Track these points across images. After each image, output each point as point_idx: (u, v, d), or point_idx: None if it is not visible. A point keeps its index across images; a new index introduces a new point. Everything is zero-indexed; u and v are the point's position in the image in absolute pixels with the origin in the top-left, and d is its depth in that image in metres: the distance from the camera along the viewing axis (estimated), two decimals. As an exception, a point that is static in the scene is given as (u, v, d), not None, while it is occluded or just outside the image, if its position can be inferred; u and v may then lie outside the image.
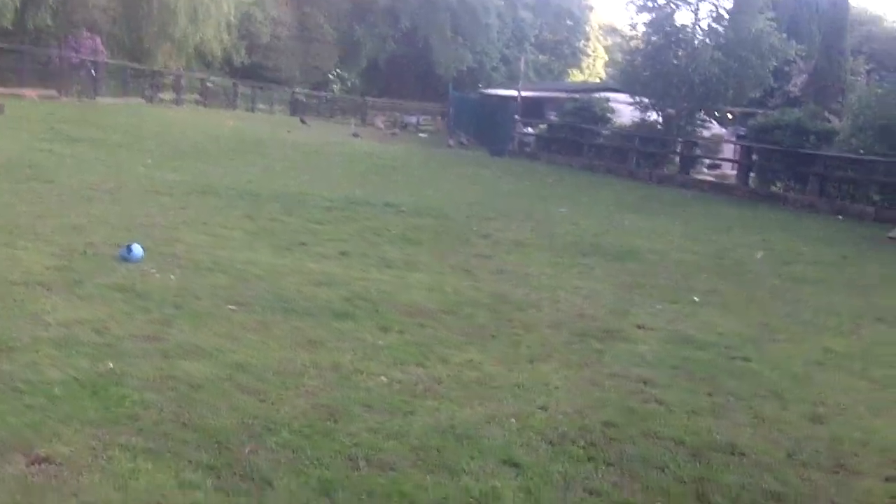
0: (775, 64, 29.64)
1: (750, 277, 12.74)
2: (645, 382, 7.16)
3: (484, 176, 26.28)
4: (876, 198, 23.51)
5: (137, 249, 9.69)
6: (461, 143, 40.88)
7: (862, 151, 23.80)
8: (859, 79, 39.47)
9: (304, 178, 19.92)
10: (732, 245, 15.70)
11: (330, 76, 60.00)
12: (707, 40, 29.71)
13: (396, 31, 62.23)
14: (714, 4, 29.98)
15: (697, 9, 30.25)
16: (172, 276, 9.06)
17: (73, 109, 30.44)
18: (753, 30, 28.87)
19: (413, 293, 9.52)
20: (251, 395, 6.01)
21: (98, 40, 38.10)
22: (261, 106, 50.68)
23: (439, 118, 55.95)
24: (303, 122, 44.99)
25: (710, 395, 7.03)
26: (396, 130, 47.52)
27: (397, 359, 7.12)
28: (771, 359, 8.31)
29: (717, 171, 30.40)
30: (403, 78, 66.94)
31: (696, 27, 30.30)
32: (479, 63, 68.16)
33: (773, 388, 7.37)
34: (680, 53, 29.87)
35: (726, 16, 29.98)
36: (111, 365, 6.28)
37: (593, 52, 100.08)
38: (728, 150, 31.86)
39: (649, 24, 30.73)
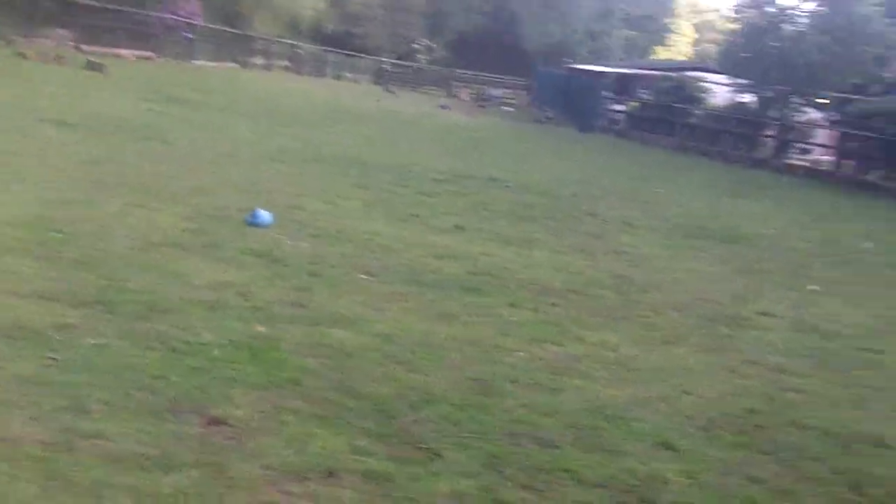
0: (882, 50, 29.02)
1: (863, 267, 12.59)
2: (781, 371, 7.14)
3: (577, 152, 26.21)
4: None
5: (264, 215, 9.86)
6: (547, 118, 40.56)
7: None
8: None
9: (404, 149, 20.07)
10: (840, 233, 15.51)
11: (416, 46, 60.00)
12: (811, 24, 29.15)
13: (484, 3, 62.02)
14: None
15: (803, -9, 29.75)
16: (304, 244, 9.22)
17: (172, 71, 30.95)
18: (859, 14, 28.29)
19: (536, 270, 9.57)
20: (402, 365, 6.10)
21: (195, 4, 38.63)
22: (347, 74, 50.82)
23: (523, 93, 55.71)
24: (389, 90, 45.15)
25: (847, 386, 6.98)
26: (485, 103, 47.42)
27: (534, 336, 7.17)
28: (901, 352, 8.22)
29: (811, 157, 29.85)
30: (488, 51, 66.68)
31: (798, 10, 29.77)
32: (565, 37, 67.59)
33: (908, 382, 7.30)
34: (784, 35, 29.32)
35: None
36: (262, 329, 6.42)
37: (677, 29, 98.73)
38: (821, 136, 31.33)
39: (751, 5, 30.25)
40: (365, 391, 5.55)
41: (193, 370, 5.51)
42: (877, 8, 29.31)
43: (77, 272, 7.09)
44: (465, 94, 51.57)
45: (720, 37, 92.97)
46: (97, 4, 33.41)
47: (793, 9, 30.04)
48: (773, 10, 30.03)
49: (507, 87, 56.39)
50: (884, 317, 9.64)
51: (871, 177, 25.81)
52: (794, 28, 29.58)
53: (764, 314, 8.98)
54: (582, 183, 18.28)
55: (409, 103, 38.55)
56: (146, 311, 6.45)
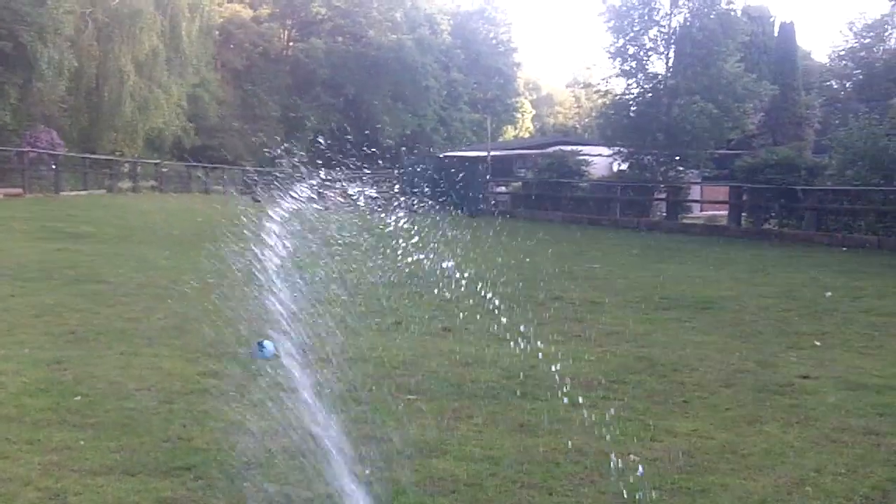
0: (751, 105, 30.24)
1: (841, 317, 12.69)
2: (876, 433, 7.00)
3: (481, 238, 26.10)
4: (878, 227, 23.89)
5: (269, 346, 9.28)
6: (413, 210, 40.25)
7: (856, 183, 24.27)
8: (815, 112, 40.56)
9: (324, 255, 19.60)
10: (790, 286, 15.75)
11: (277, 151, 59.71)
12: (684, 88, 30.14)
13: (339, 101, 62.38)
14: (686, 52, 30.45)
15: (669, 57, 30.78)
16: (324, 371, 8.68)
17: (48, 206, 29.64)
18: (726, 74, 29.44)
19: (562, 365, 9.24)
20: (533, 488, 5.70)
21: (54, 134, 37.44)
22: (215, 187, 50.00)
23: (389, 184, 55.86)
24: (255, 200, 44.32)
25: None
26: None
27: (623, 435, 6.85)
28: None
29: (705, 214, 30.76)
30: (345, 148, 66.93)
31: (669, 75, 30.79)
32: (419, 126, 68.57)
33: None
34: (664, 101, 30.22)
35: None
36: (367, 471, 5.92)
37: (521, 107, 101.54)
38: (694, 192, 32.39)
39: (624, 74, 31.16)
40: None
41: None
42: (738, 65, 30.59)
43: (131, 437, 6.45)
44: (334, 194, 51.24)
45: (578, 108, 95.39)
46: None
47: (661, 74, 31.04)
48: (644, 76, 30.99)
49: (374, 181, 56.43)
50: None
51: (768, 225, 26.64)
52: (670, 93, 30.46)
53: (804, 377, 8.88)
54: (513, 268, 18.12)
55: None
56: (235, 470, 5.89)
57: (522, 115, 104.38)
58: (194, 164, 50.06)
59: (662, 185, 31.05)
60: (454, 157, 47.27)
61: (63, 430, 6.56)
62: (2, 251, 17.12)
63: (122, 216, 27.82)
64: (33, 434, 6.43)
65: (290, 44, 64.63)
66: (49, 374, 8.13)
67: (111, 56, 40.93)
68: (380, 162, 63.94)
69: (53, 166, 36.38)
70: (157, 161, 46.66)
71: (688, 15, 30.10)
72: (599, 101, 33.95)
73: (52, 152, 36.46)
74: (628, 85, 31.64)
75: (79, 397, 7.43)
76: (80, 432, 6.52)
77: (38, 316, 11.03)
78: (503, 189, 38.21)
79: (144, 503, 5.28)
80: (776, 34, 43.68)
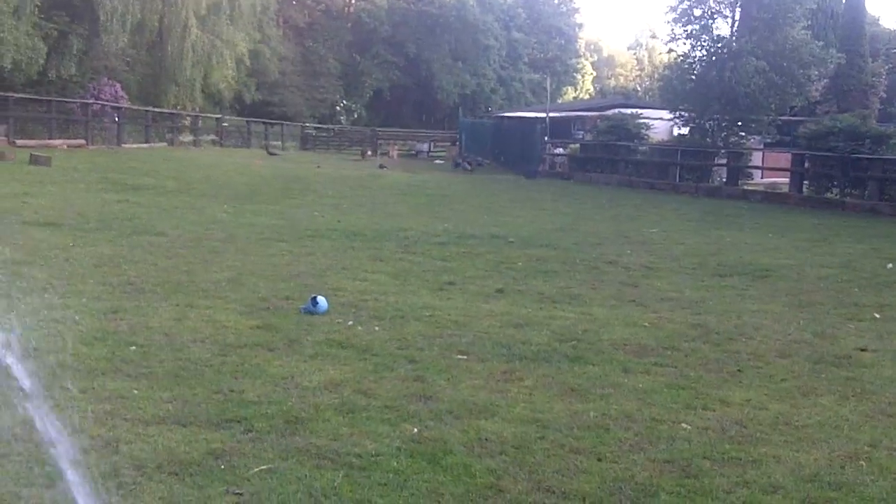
0: (816, 72, 29.56)
1: (900, 288, 12.47)
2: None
3: (539, 200, 26.02)
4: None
5: (323, 302, 9.34)
6: (466, 169, 40.07)
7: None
8: (882, 80, 39.61)
9: (381, 214, 19.67)
10: (851, 256, 15.45)
11: (337, 108, 59.80)
12: (748, 51, 29.47)
13: (400, 59, 62.19)
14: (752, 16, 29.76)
15: (735, 20, 30.17)
16: (376, 328, 8.71)
17: (110, 158, 29.99)
18: (792, 40, 28.79)
19: (615, 330, 9.18)
20: (581, 454, 5.65)
21: (118, 86, 37.79)
22: (273, 142, 50.22)
23: (449, 144, 55.69)
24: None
25: None
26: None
27: (675, 403, 6.78)
28: None
29: (766, 181, 30.25)
30: (404, 106, 66.92)
31: (733, 39, 30.17)
32: (478, 86, 68.16)
33: None
34: (728, 65, 29.54)
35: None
36: (415, 430, 5.93)
37: (582, 69, 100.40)
38: (756, 159, 31.84)
39: (689, 37, 30.62)
40: (568, 488, 5.09)
41: (387, 487, 5.00)
42: (805, 32, 29.92)
43: (184, 388, 6.51)
44: (393, 151, 51.15)
45: (640, 71, 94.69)
46: (26, 97, 32.47)
47: (726, 37, 30.44)
48: (708, 40, 30.42)
49: (431, 141, 56.46)
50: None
51: (830, 194, 26.15)
52: (734, 57, 29.82)
53: (861, 350, 8.72)
54: (572, 231, 18.08)
55: (346, 167, 38.27)
56: (284, 423, 5.93)
57: (583, 76, 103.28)
58: (254, 119, 50.36)
59: (723, 151, 30.58)
60: (512, 117, 46.99)
61: (117, 379, 6.64)
62: (63, 201, 17.37)
63: (182, 169, 28.10)
64: (88, 382, 6.51)
65: (353, 1, 64.46)
66: (105, 323, 8.23)
67: (174, 9, 41.02)
68: (439, 120, 64.15)
69: (116, 119, 36.82)
70: (218, 116, 46.98)
71: (755, -25, 29.44)
72: (665, 59, 33.42)
73: (115, 105, 36.83)
74: (692, 47, 31.10)
75: (134, 347, 7.52)
76: (133, 382, 6.60)
77: (97, 266, 11.17)
78: (561, 151, 37.90)
79: (195, 454, 5.31)
80: (844, 0, 42.66)
